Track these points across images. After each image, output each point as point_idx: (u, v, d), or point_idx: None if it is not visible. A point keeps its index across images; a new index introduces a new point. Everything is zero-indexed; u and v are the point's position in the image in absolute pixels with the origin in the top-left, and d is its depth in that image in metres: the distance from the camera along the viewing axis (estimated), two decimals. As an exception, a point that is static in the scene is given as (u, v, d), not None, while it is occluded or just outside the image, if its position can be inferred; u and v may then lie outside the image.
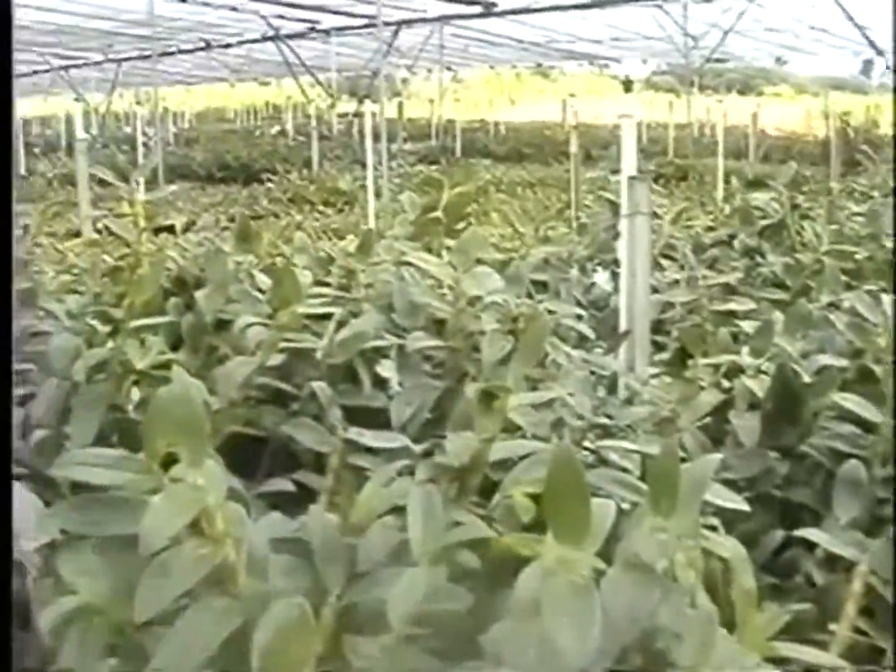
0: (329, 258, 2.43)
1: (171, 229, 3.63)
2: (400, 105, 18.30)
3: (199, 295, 2.02)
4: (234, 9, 15.96)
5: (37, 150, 20.26)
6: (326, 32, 17.98)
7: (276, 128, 24.23)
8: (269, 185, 11.64)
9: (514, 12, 15.91)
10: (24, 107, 28.60)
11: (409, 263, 2.24)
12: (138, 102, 19.57)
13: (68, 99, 24.97)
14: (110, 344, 1.86)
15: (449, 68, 23.19)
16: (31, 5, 15.90)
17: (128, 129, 24.48)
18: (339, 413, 1.67)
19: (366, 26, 17.02)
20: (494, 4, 15.10)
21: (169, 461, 1.11)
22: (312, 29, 17.80)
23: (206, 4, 15.70)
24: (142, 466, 1.13)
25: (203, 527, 1.05)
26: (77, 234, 5.32)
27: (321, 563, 1.10)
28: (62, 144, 22.26)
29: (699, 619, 1.09)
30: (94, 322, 1.91)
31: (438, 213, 2.60)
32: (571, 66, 30.51)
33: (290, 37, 18.16)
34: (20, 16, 16.56)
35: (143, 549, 0.96)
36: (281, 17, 16.80)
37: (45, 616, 1.05)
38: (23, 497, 1.19)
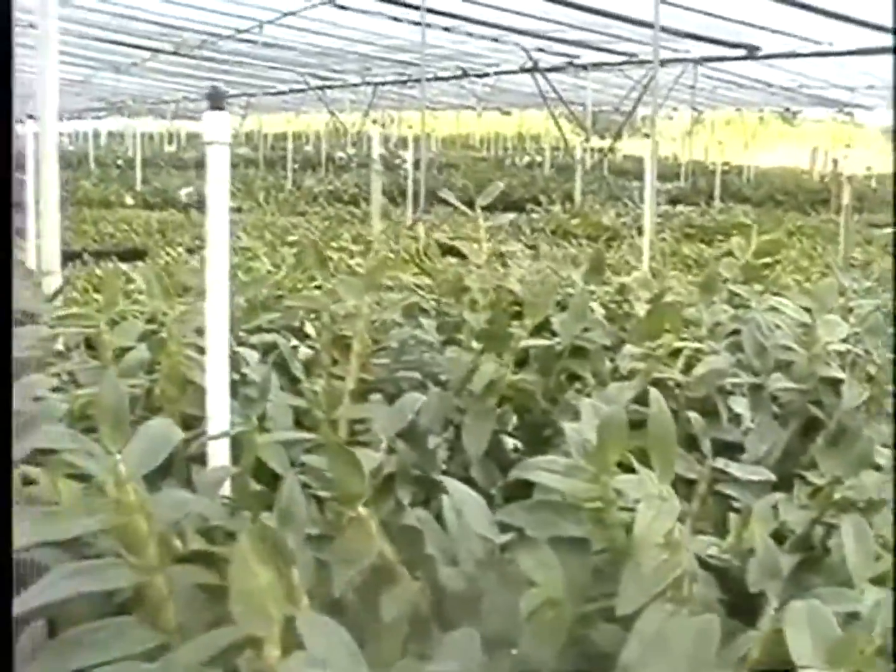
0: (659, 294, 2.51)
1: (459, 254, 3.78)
2: (655, 145, 18.27)
3: (556, 320, 2.14)
4: (495, 40, 16.24)
5: (295, 166, 21.05)
6: (584, 67, 18.11)
7: (526, 158, 24.55)
8: (533, 215, 11.77)
9: (776, 56, 15.68)
10: (274, 123, 30.09)
11: (748, 306, 2.33)
12: (409, 126, 20.13)
13: (317, 117, 25.90)
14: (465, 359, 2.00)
15: (695, 108, 23.01)
16: (298, 27, 16.46)
17: (381, 151, 25.17)
18: (709, 443, 1.76)
19: (624, 63, 17.10)
20: (758, 48, 14.95)
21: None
22: (570, 63, 17.95)
23: (469, 35, 16.02)
24: (590, 476, 1.24)
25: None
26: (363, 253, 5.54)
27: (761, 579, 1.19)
28: (320, 160, 23.21)
29: None
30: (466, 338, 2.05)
31: (767, 259, 2.68)
32: (817, 113, 29.74)
33: (546, 70, 18.35)
34: (292, 38, 17.31)
35: (638, 551, 1.07)
36: (541, 50, 17.00)
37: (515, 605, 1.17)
38: (474, 500, 1.32)
